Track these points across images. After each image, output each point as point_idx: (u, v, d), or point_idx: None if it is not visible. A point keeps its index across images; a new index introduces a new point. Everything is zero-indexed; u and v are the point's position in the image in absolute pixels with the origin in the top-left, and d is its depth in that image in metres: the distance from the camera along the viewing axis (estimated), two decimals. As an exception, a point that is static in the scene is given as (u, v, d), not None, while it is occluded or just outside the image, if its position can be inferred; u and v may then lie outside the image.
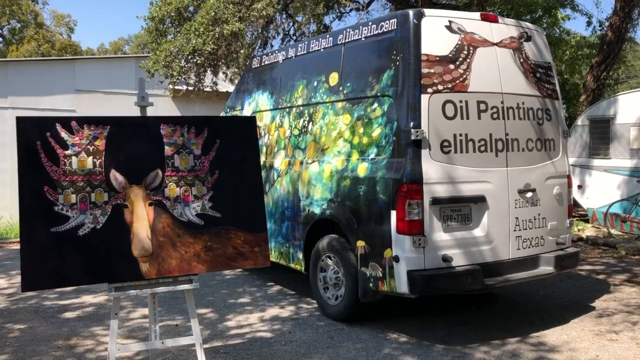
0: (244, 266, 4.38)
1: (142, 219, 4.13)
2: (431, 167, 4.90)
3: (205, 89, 10.65)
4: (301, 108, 6.31)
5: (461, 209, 5.08)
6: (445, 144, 5.00)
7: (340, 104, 5.72)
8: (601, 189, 10.75)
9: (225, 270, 4.46)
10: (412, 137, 4.83)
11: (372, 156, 5.25)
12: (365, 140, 5.35)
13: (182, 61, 9.13)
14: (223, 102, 10.54)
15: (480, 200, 5.12)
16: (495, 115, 5.25)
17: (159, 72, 8.86)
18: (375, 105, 5.27)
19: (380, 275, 5.11)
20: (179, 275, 4.18)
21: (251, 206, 4.46)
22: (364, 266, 5.28)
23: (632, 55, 20.60)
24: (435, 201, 4.91)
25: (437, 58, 4.99)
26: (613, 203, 10.21)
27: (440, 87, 4.97)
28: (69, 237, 3.93)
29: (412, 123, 4.88)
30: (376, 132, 5.24)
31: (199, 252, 4.22)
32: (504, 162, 5.29)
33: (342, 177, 5.54)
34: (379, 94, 5.23)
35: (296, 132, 6.38)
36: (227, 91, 13.07)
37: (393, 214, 4.93)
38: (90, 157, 4.08)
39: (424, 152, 4.88)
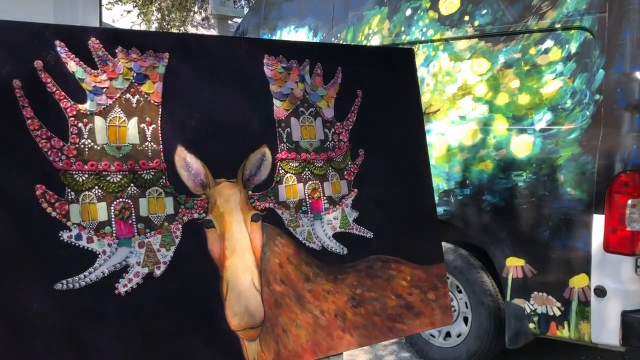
0: (414, 330, 2.37)
1: (242, 250, 1.99)
2: (660, 146, 3.08)
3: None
4: (377, 51, 4.24)
5: (682, 210, 3.32)
6: (675, 107, 3.18)
7: (465, 43, 3.71)
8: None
9: (386, 340, 2.39)
10: (642, 96, 2.98)
11: (541, 125, 3.32)
12: (525, 99, 3.40)
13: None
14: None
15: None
16: None
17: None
18: (550, 43, 3.32)
19: (558, 313, 3.26)
20: (314, 360, 2.11)
21: (417, 214, 2.44)
22: (521, 297, 3.40)
23: None
24: (665, 200, 3.11)
25: (666, -32, 3.13)
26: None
27: (670, 17, 3.13)
28: (96, 300, 1.74)
29: (638, 72, 3.00)
30: (551, 86, 3.31)
31: (343, 310, 2.16)
32: None
33: (474, 157, 3.58)
34: (557, 26, 3.28)
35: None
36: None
37: (597, 220, 3.06)
38: (134, 119, 1.87)
39: (654, 121, 3.05)
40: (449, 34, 3.79)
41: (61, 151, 1.73)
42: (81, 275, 1.71)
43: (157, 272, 1.83)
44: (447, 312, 2.41)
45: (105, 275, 1.75)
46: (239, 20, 3.02)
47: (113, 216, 1.78)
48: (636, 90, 2.98)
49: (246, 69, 2.08)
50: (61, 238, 1.70)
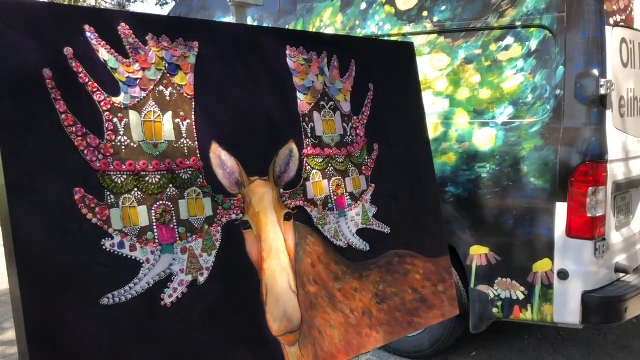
0: (429, 322, 2.38)
1: (277, 252, 1.90)
2: (613, 137, 3.31)
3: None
4: (328, 44, 4.19)
5: (625, 197, 3.60)
6: (622, 102, 3.44)
7: (424, 38, 3.78)
8: None
9: (406, 335, 2.36)
10: (602, 91, 3.18)
11: (503, 119, 3.46)
12: (486, 94, 3.53)
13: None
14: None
15: (638, 184, 3.70)
16: (646, 65, 3.83)
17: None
18: (510, 40, 3.46)
19: (522, 297, 3.43)
20: (347, 361, 2.05)
21: (425, 207, 2.46)
22: (485, 284, 3.54)
23: None
24: (617, 188, 3.36)
25: (613, -26, 3.38)
26: None
27: (618, 18, 3.37)
28: (143, 314, 1.58)
29: (596, 70, 3.21)
30: (512, 81, 3.45)
31: (369, 308, 2.13)
32: (650, 129, 3.94)
33: (437, 150, 3.65)
34: (518, 24, 3.43)
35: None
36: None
37: (560, 207, 3.25)
38: (169, 114, 1.71)
39: (609, 115, 3.28)
40: (407, 29, 3.84)
41: (98, 150, 1.54)
42: (126, 288, 1.54)
43: (201, 280, 1.70)
44: (454, 302, 2.45)
45: (151, 285, 1.59)
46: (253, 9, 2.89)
47: (154, 220, 1.62)
48: (593, 86, 3.19)
49: (271, 60, 1.98)
50: (104, 247, 1.52)
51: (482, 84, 3.54)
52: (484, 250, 3.53)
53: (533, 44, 3.39)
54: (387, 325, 2.15)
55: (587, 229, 3.22)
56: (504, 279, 3.48)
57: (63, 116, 1.50)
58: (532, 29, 3.39)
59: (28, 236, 1.39)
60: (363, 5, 4.03)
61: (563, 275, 3.28)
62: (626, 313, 3.34)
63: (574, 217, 3.23)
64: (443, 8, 3.69)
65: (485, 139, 3.50)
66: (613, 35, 3.30)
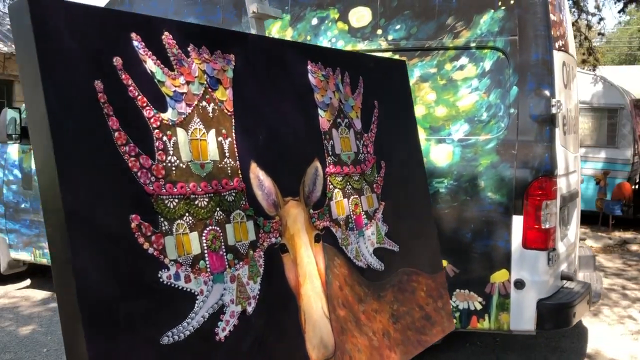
0: (433, 340, 2.38)
1: (311, 276, 1.82)
2: (559, 154, 3.54)
3: None
4: (275, 58, 4.12)
5: (565, 210, 3.86)
6: (565, 121, 3.69)
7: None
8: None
9: (416, 354, 2.32)
10: (553, 110, 3.38)
11: (459, 135, 3.58)
12: (442, 111, 3.63)
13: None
14: None
15: (576, 196, 3.98)
16: (573, 86, 4.14)
17: None
18: (465, 60, 3.59)
19: (479, 307, 3.55)
20: (373, 384, 2.00)
21: (423, 223, 2.48)
22: (443, 295, 3.63)
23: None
24: (562, 200, 3.59)
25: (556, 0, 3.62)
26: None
27: (560, 43, 3.62)
28: (200, 352, 1.44)
29: (547, 90, 3.41)
30: (468, 100, 3.58)
31: (387, 328, 2.10)
32: (578, 145, 4.26)
33: (393, 165, 3.72)
34: (472, 45, 3.57)
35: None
36: None
37: (516, 220, 3.41)
38: (213, 132, 1.59)
39: (557, 132, 3.49)
40: (361, 46, 3.87)
41: (150, 171, 1.39)
42: (184, 324, 1.40)
43: (249, 310, 1.58)
44: (451, 318, 2.48)
45: (205, 319, 1.45)
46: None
47: (205, 248, 1.49)
48: (545, 106, 3.40)
49: (296, 76, 1.90)
50: (161, 280, 1.37)
51: (438, 101, 3.64)
52: (443, 263, 3.61)
53: (487, 65, 3.54)
54: (402, 345, 2.13)
55: (541, 240, 3.41)
56: (462, 290, 3.59)
57: (116, 134, 1.33)
58: (486, 51, 3.55)
59: (88, 272, 1.22)
60: (314, 21, 4.01)
61: (520, 284, 3.44)
62: (574, 317, 3.57)
63: (530, 229, 3.40)
64: (398, 27, 3.77)
65: (442, 155, 3.60)
66: (558, 59, 3.54)
